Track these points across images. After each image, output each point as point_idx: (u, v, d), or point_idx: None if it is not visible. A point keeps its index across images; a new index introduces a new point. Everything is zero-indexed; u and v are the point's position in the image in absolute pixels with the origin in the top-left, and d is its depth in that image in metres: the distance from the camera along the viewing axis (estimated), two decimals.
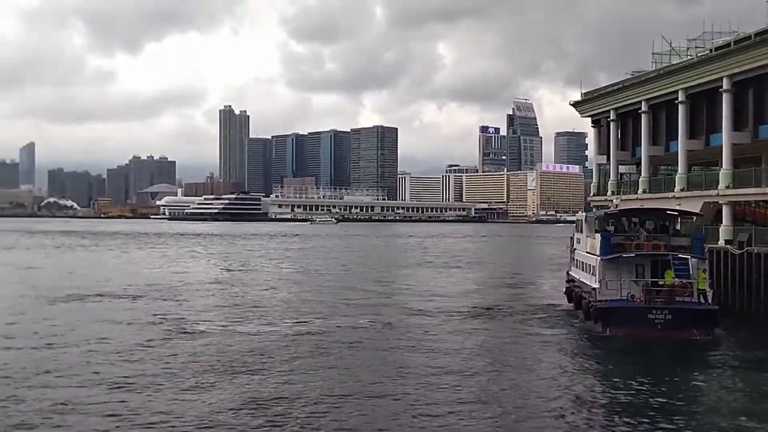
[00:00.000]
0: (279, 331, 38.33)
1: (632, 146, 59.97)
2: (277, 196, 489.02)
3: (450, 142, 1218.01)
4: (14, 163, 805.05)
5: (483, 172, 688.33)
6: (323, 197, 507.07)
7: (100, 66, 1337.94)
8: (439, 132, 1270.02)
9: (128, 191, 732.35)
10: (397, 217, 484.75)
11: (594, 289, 38.07)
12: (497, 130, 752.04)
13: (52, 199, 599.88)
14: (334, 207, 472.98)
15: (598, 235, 39.54)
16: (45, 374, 27.86)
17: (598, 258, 38.14)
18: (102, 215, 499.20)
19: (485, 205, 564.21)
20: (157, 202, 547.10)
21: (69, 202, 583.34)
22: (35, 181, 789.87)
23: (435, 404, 23.85)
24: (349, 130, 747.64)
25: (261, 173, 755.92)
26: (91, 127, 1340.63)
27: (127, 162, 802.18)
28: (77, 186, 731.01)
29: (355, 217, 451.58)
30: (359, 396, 24.88)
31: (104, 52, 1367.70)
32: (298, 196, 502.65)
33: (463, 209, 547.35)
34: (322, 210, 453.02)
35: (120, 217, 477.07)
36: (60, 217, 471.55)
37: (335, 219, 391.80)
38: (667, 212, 43.29)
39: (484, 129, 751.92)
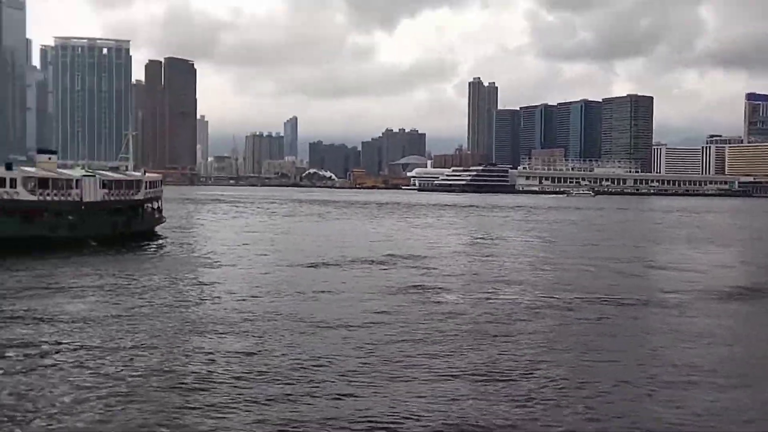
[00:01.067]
0: (524, 303, 38.05)
1: None
2: (524, 168, 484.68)
3: (711, 111, 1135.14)
4: (279, 136, 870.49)
5: (748, 142, 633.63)
6: (572, 169, 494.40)
7: (358, 43, 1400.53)
8: (698, 101, 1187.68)
9: (381, 163, 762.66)
10: (651, 191, 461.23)
11: None
12: (766, 97, 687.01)
13: (312, 170, 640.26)
14: (583, 179, 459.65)
15: None
16: (301, 334, 29.87)
17: None
18: (357, 186, 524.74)
19: (750, 179, 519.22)
20: (408, 174, 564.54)
21: (327, 173, 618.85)
22: (297, 152, 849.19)
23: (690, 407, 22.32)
24: (600, 100, 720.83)
25: (508, 145, 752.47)
26: (349, 102, 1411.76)
27: (381, 135, 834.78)
28: (335, 158, 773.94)
29: (606, 190, 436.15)
30: (600, 380, 23.99)
31: (363, 30, 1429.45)
32: (546, 168, 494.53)
33: (725, 182, 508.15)
34: (570, 182, 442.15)
35: (373, 187, 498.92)
36: (319, 186, 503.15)
37: (592, 192, 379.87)
38: None
39: (751, 96, 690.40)
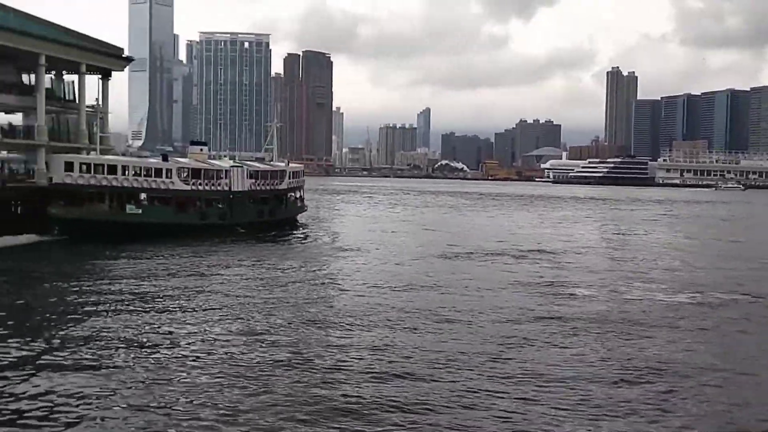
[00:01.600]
0: (659, 299, 37.19)
1: None
2: (664, 160, 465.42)
3: None
4: (412, 127, 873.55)
5: None
6: (716, 162, 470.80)
7: (493, 33, 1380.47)
8: None
9: (514, 154, 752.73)
10: None
11: None
12: None
13: (444, 162, 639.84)
14: (729, 173, 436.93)
15: None
16: (432, 327, 30.55)
17: None
18: (489, 177, 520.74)
19: None
20: (542, 165, 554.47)
21: (459, 165, 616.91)
22: (430, 144, 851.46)
23: None
24: (748, 89, 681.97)
25: (648, 136, 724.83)
26: (482, 93, 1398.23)
27: (514, 126, 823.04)
28: (467, 149, 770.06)
29: (753, 183, 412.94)
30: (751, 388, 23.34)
31: (499, 19, 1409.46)
32: (688, 160, 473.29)
33: None
34: (714, 175, 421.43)
35: (506, 179, 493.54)
36: (451, 178, 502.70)
37: (742, 185, 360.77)
38: None
39: None
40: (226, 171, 72.81)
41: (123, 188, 63.86)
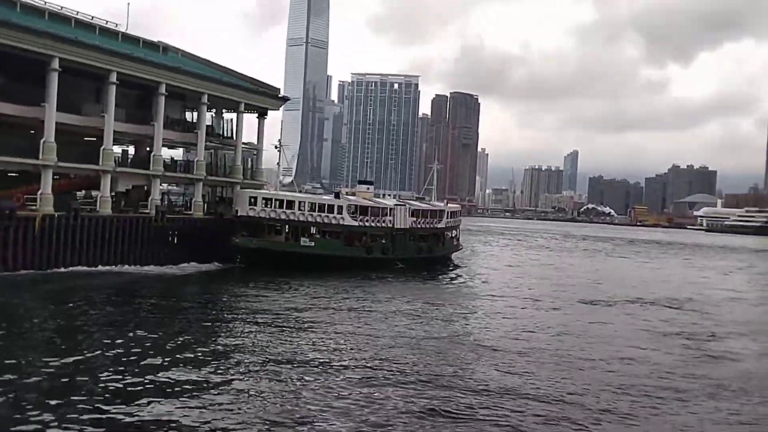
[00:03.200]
0: None
1: None
2: None
3: None
4: (558, 169, 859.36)
5: None
6: None
7: (650, 77, 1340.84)
8: None
9: (665, 200, 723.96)
10: None
11: None
12: None
13: (591, 205, 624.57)
14: None
15: None
16: (561, 370, 29.85)
17: None
18: (637, 223, 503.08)
19: None
20: (695, 213, 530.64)
21: (606, 209, 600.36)
22: (576, 187, 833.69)
23: None
24: None
25: None
26: (633, 137, 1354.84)
27: (666, 171, 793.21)
28: (615, 193, 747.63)
29: None
30: None
31: (656, 63, 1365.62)
32: None
33: None
34: None
35: (655, 225, 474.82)
36: (597, 222, 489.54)
37: None
38: None
39: None
40: (390, 209, 76.97)
41: (299, 222, 68.57)
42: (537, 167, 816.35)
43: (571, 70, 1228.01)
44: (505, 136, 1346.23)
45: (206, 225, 67.07)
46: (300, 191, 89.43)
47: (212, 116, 76.59)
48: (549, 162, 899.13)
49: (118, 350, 29.47)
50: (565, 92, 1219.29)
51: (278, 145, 74.91)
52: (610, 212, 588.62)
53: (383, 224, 74.93)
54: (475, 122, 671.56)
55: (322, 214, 69.85)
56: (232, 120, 77.22)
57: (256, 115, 78.09)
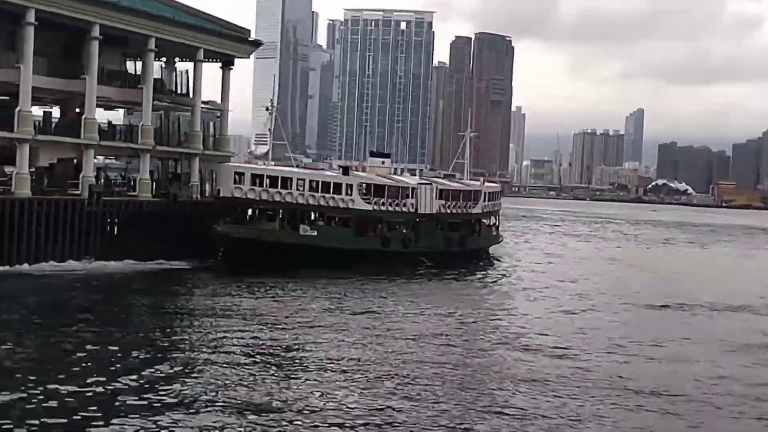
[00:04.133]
0: None
1: None
2: None
3: None
4: (619, 134, 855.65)
5: None
6: None
7: (742, 13, 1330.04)
8: None
9: (759, 174, 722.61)
10: None
11: None
12: None
13: (661, 181, 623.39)
14: None
15: None
16: (617, 399, 30.40)
17: None
18: (723, 203, 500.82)
19: None
20: None
21: (682, 185, 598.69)
22: (642, 157, 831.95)
23: None
24: None
25: None
26: (718, 91, 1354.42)
27: (760, 135, 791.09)
28: (693, 165, 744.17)
29: None
30: None
31: None
32: None
33: None
34: None
35: (746, 207, 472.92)
36: (670, 203, 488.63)
37: None
38: None
39: None
40: (412, 189, 77.41)
41: (297, 205, 69.50)
42: (590, 131, 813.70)
43: (638, 3, 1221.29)
44: (548, 91, 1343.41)
45: (158, 209, 67.09)
46: (299, 165, 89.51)
47: (162, 67, 76.54)
48: (606, 125, 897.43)
49: None
50: (630, 33, 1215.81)
51: (269, 107, 75.24)
52: (686, 189, 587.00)
53: (404, 208, 75.64)
54: (508, 73, 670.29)
55: (327, 196, 70.54)
56: (188, 72, 77.21)
57: (220, 65, 78.00)
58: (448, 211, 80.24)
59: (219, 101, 78.82)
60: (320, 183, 71.42)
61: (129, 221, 64.62)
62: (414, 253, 73.92)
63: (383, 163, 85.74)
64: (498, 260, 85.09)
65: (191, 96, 75.56)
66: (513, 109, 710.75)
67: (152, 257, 64.32)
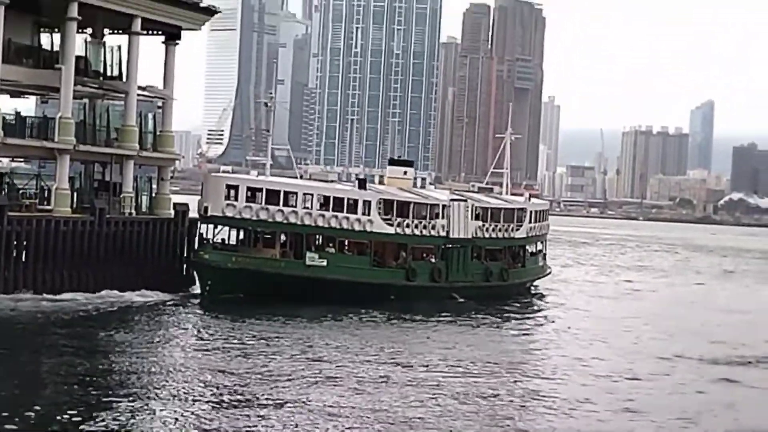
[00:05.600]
0: None
1: None
2: None
3: None
4: (681, 133, 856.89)
5: None
6: None
7: None
8: None
9: None
10: None
11: None
12: None
13: (736, 195, 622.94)
14: None
15: None
16: None
17: None
18: None
19: None
20: None
21: (764, 201, 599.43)
22: (711, 164, 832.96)
23: None
24: None
25: None
26: None
27: None
28: None
29: None
30: None
31: None
32: None
33: None
34: None
35: None
36: (748, 225, 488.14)
37: None
38: None
39: None
40: (443, 207, 78.92)
41: (303, 227, 71.64)
42: (645, 129, 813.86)
43: None
44: (590, 74, 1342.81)
45: (79, 229, 66.45)
46: (302, 176, 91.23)
47: (87, 41, 76.29)
48: (665, 121, 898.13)
49: None
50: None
51: (267, 102, 76.28)
52: None
53: (432, 231, 77.09)
54: (538, 52, 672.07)
55: (340, 215, 72.58)
56: (120, 48, 76.92)
57: (163, 39, 78.11)
58: (487, 235, 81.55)
59: (161, 87, 78.74)
60: (332, 199, 73.33)
61: (42, 244, 64.21)
62: (445, 289, 75.76)
63: (405, 173, 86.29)
64: (546, 300, 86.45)
65: (125, 80, 75.25)
66: (544, 99, 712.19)
67: (75, 289, 64.16)
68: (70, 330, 55.59)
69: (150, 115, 78.52)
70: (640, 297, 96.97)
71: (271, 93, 76.81)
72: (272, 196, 70.54)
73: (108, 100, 76.82)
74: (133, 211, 71.49)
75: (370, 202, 73.64)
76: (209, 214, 69.27)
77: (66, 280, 64.07)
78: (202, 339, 54.51)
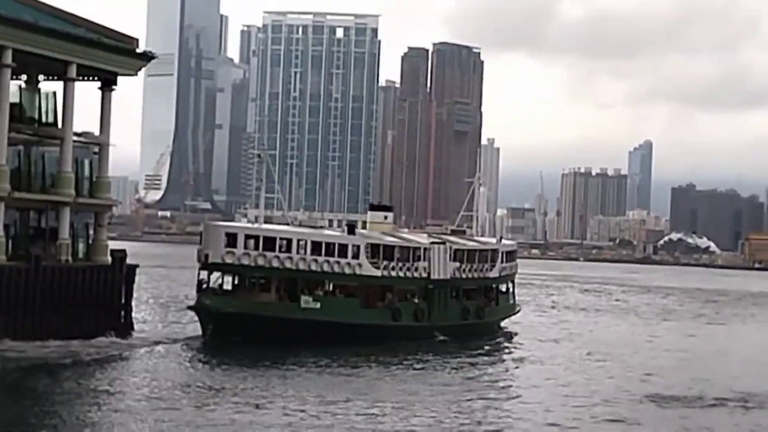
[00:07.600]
0: None
1: None
2: None
3: None
4: (620, 174, 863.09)
5: None
6: None
7: None
8: None
9: None
10: None
11: None
12: None
13: (675, 236, 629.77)
14: None
15: None
16: None
17: None
18: (754, 264, 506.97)
19: None
20: None
21: (703, 241, 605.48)
22: (650, 204, 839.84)
23: None
24: None
25: None
26: (755, 118, 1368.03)
27: None
28: (716, 214, 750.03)
29: None
30: None
31: None
32: None
33: None
34: None
35: None
36: (687, 264, 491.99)
37: None
38: None
39: None
40: (425, 249, 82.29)
41: (297, 272, 74.81)
42: (584, 171, 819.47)
43: (668, 16, 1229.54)
44: (530, 118, 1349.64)
45: (14, 277, 65.63)
46: (291, 223, 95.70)
47: (21, 88, 75.85)
48: (605, 162, 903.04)
49: None
50: (649, 49, 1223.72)
51: (259, 154, 78.57)
52: (708, 246, 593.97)
53: (415, 273, 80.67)
54: (476, 94, 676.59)
55: (331, 260, 75.99)
56: (56, 94, 76.55)
57: (99, 84, 77.71)
58: (464, 275, 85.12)
59: (97, 132, 78.30)
60: (324, 245, 76.70)
61: None
62: (428, 328, 79.38)
63: (386, 218, 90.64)
64: (517, 338, 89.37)
65: (60, 126, 74.82)
66: (483, 141, 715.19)
67: (11, 337, 62.80)
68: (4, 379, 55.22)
69: (86, 161, 77.97)
70: (591, 331, 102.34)
71: (263, 146, 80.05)
72: (268, 243, 73.35)
73: (43, 146, 76.27)
74: (69, 258, 70.91)
75: (359, 246, 76.85)
76: (210, 261, 72.30)
77: (1, 329, 63.21)
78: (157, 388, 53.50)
